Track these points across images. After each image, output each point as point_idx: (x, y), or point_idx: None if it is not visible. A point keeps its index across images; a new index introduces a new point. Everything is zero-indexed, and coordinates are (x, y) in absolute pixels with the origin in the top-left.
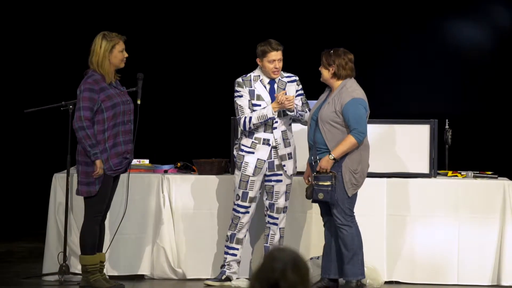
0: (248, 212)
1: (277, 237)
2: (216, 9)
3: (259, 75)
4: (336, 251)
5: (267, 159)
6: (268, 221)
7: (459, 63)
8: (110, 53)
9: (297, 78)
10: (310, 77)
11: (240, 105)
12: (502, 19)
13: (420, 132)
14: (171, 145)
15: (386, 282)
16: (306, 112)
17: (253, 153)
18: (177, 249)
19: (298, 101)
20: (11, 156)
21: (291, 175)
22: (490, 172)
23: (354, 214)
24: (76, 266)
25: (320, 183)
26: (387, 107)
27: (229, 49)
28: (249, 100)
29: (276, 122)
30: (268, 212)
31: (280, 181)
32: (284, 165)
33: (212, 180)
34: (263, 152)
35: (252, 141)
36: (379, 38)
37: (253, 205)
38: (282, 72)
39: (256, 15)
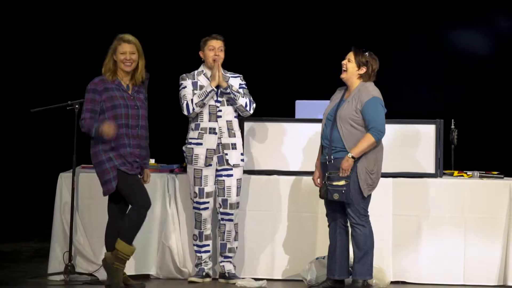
0: (207, 208)
1: (233, 233)
2: (219, 9)
3: (202, 70)
4: (341, 252)
5: (215, 150)
6: (222, 218)
7: (465, 63)
8: (114, 53)
9: (241, 76)
10: (312, 76)
11: (183, 94)
12: (510, 16)
13: (426, 132)
14: (177, 145)
15: (392, 282)
16: (243, 97)
17: (201, 144)
18: (183, 248)
19: (237, 85)
20: (17, 155)
21: (233, 165)
22: (496, 172)
23: (369, 214)
24: (81, 266)
25: (334, 183)
26: (393, 107)
27: (236, 49)
28: (192, 90)
29: (220, 111)
30: (221, 209)
31: (231, 175)
32: (226, 154)
33: None
34: (210, 141)
35: (199, 132)
36: (384, 38)
37: (211, 199)
38: (226, 70)
39: (258, 16)
